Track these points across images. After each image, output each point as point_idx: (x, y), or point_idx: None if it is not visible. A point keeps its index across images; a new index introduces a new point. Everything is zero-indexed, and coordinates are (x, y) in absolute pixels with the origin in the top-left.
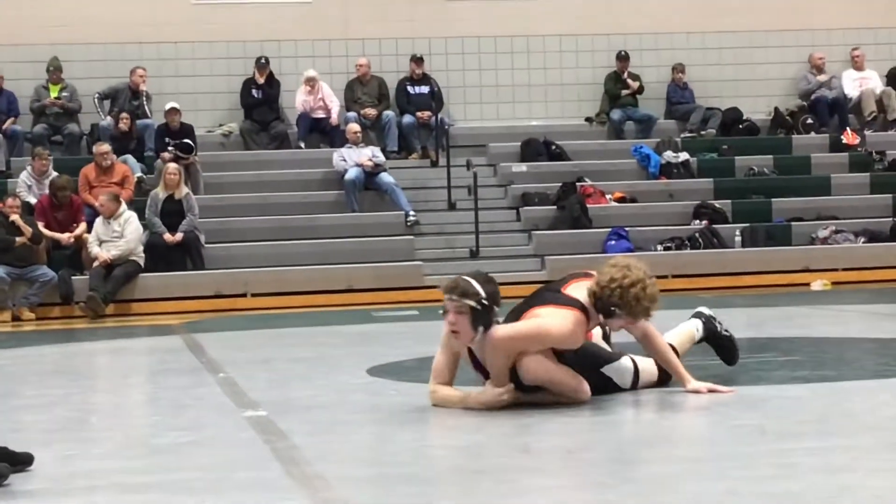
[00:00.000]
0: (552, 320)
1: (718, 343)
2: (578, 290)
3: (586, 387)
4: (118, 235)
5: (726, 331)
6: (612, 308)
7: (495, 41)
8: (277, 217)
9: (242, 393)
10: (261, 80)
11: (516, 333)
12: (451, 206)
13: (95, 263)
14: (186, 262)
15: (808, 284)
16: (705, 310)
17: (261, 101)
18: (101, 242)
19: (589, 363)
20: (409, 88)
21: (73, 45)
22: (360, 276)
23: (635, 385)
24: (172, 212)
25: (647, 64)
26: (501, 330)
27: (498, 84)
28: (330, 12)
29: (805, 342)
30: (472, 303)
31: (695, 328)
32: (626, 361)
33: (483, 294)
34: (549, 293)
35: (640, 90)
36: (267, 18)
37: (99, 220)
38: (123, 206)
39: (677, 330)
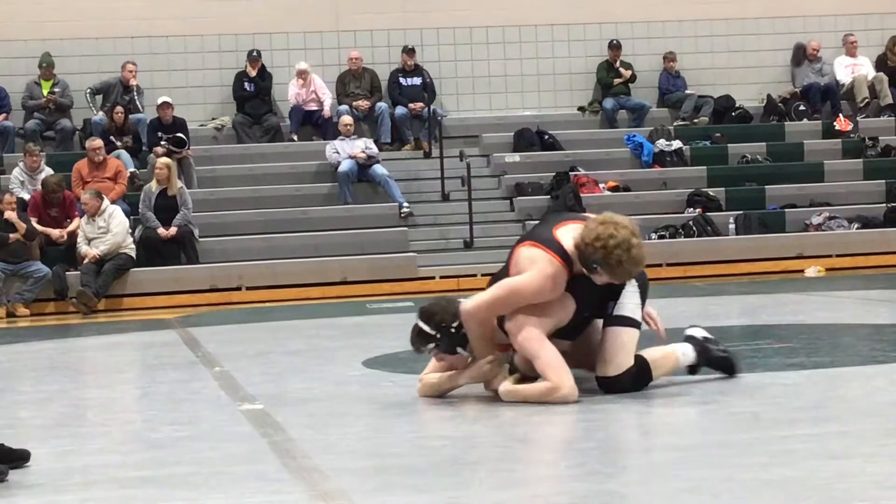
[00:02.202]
0: (523, 277)
1: (716, 366)
2: (567, 234)
3: (571, 381)
4: (104, 231)
5: (723, 351)
6: (594, 266)
7: (487, 31)
8: (271, 210)
9: (238, 386)
10: (253, 74)
11: (484, 301)
12: (445, 198)
13: (85, 261)
14: (181, 256)
15: (801, 271)
16: (698, 332)
17: (253, 94)
18: (89, 241)
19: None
20: (402, 80)
21: (65, 40)
22: (354, 268)
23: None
24: (166, 206)
25: (639, 52)
26: (470, 302)
27: (490, 74)
28: (321, 4)
29: (799, 329)
30: (431, 345)
31: (681, 352)
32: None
33: (431, 331)
34: (541, 229)
35: (633, 79)
36: (258, 11)
37: (84, 219)
38: (106, 201)
39: (659, 347)
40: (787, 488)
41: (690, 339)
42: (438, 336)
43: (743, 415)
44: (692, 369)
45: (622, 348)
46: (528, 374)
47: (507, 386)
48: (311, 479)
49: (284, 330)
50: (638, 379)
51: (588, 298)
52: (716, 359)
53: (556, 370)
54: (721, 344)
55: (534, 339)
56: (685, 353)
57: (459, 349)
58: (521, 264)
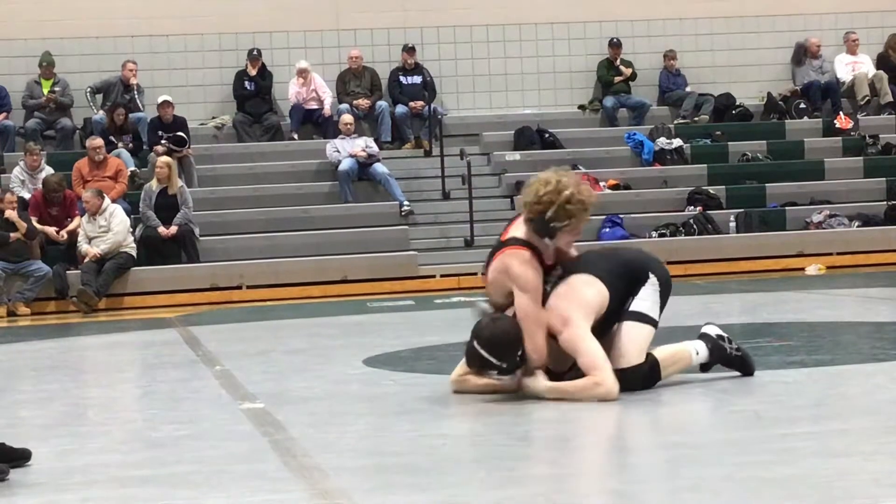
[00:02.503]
0: (518, 290)
1: (731, 364)
2: (516, 227)
3: (613, 378)
4: (105, 230)
5: (737, 350)
6: (551, 223)
7: (487, 30)
8: (271, 209)
9: (239, 385)
10: (253, 72)
11: (536, 341)
12: (446, 196)
13: (86, 260)
14: (181, 255)
15: (802, 269)
16: (713, 330)
17: (253, 93)
18: (90, 240)
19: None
20: (402, 78)
21: (65, 39)
22: (354, 266)
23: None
24: (167, 205)
25: (640, 51)
26: (534, 355)
27: (490, 73)
28: (321, 3)
29: (800, 327)
30: (494, 372)
31: (693, 350)
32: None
33: (495, 361)
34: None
35: (633, 77)
36: (258, 10)
37: (85, 218)
38: (107, 200)
39: (671, 345)
40: (788, 486)
41: (704, 337)
42: (504, 366)
43: (743, 413)
44: (704, 367)
45: (632, 342)
46: (554, 368)
47: (546, 383)
48: (312, 478)
49: (285, 329)
50: (647, 378)
51: (614, 283)
52: (730, 358)
53: (599, 368)
54: (735, 342)
55: (577, 337)
56: (698, 351)
57: (518, 372)
58: (505, 284)
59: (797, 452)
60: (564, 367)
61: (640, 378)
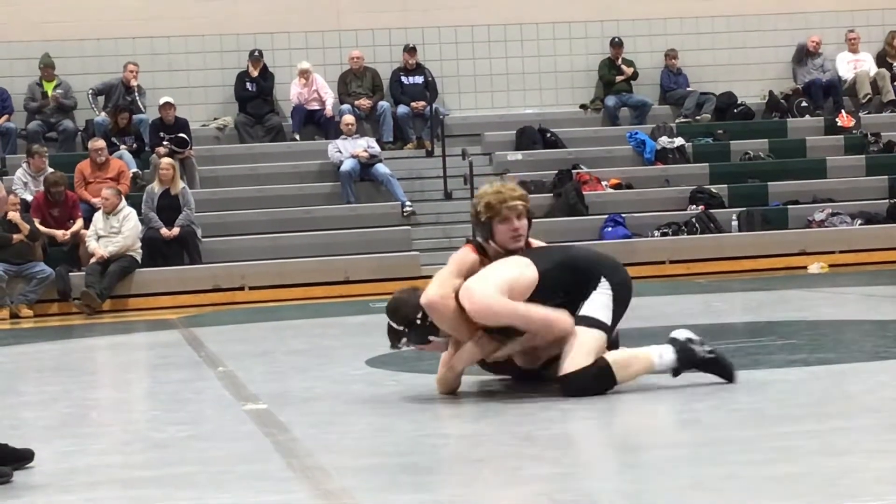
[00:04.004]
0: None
1: (705, 368)
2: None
3: (563, 319)
4: (116, 231)
5: (710, 352)
6: (480, 218)
7: (488, 29)
8: (274, 210)
9: (242, 386)
10: (254, 73)
11: (438, 289)
12: (447, 196)
13: (92, 259)
14: (183, 256)
15: (805, 267)
16: (681, 334)
17: (255, 94)
18: (98, 237)
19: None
20: (403, 79)
21: (67, 41)
22: (357, 267)
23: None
24: (169, 206)
25: (641, 50)
26: (425, 297)
27: (492, 73)
28: (322, 4)
29: (803, 325)
30: (403, 339)
31: (657, 354)
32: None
33: (397, 326)
34: None
35: (635, 76)
36: (259, 11)
37: (99, 215)
38: (124, 201)
39: (630, 349)
40: (790, 484)
41: (672, 342)
42: (406, 330)
43: (746, 411)
44: (675, 372)
45: (579, 346)
46: (525, 366)
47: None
48: (315, 478)
49: (287, 329)
50: (597, 380)
51: (553, 273)
52: (703, 360)
53: (546, 317)
54: (707, 344)
55: (486, 302)
56: (662, 354)
57: (431, 337)
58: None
59: (800, 451)
60: (536, 364)
61: (589, 379)
